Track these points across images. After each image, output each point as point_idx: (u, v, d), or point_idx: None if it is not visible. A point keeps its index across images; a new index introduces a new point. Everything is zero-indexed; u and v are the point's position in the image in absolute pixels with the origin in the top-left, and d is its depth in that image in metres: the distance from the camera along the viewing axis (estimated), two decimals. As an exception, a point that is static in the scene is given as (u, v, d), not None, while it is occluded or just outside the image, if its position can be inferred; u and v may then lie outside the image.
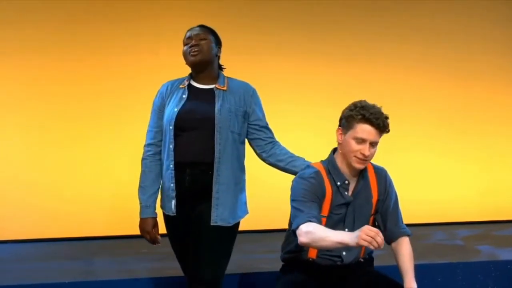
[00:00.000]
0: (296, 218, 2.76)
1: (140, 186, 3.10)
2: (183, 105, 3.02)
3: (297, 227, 2.72)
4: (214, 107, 2.99)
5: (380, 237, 2.43)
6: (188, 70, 3.13)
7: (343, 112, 2.85)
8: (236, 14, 5.33)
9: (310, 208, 2.76)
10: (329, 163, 2.90)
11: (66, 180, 5.08)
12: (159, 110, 3.10)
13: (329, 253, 2.86)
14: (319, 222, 2.72)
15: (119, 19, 5.18)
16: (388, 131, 2.82)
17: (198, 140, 2.98)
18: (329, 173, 2.87)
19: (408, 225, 3.02)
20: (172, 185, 3.01)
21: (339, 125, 2.86)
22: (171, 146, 3.00)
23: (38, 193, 5.04)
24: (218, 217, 2.97)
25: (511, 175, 5.94)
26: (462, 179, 5.80)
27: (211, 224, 2.96)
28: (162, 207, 3.11)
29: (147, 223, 3.07)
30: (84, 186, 5.10)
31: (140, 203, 3.08)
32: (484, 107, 5.90)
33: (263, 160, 3.15)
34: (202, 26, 3.11)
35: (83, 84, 5.12)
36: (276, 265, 3.07)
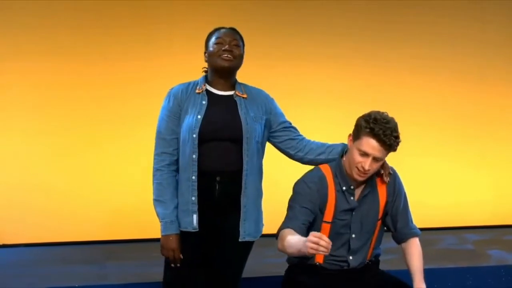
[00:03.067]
0: (282, 223, 2.78)
1: (158, 200, 2.85)
2: (206, 112, 2.83)
3: (278, 233, 2.75)
4: (239, 115, 2.86)
5: (324, 241, 2.35)
6: (198, 74, 3.02)
7: (357, 119, 2.81)
8: (244, 17, 5.32)
9: (296, 215, 2.76)
10: (337, 166, 2.88)
11: (78, 184, 5.08)
12: (174, 116, 2.87)
13: (335, 257, 2.86)
14: (300, 230, 2.71)
15: (134, 23, 5.17)
16: (395, 150, 2.77)
17: (224, 150, 2.83)
18: (335, 176, 2.86)
19: (419, 229, 3.02)
20: (193, 198, 2.82)
21: (352, 132, 2.83)
22: (194, 156, 2.81)
23: (50, 197, 5.04)
24: (245, 232, 2.88)
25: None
26: (473, 184, 5.77)
27: (240, 240, 2.87)
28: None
29: (173, 240, 2.81)
30: (97, 190, 5.10)
31: (163, 219, 2.83)
32: (495, 112, 5.86)
33: (300, 159, 3.00)
34: (233, 30, 2.95)
35: (95, 89, 5.11)
36: (284, 269, 3.07)
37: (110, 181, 5.12)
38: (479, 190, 5.77)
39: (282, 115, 3.03)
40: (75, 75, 5.10)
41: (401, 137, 2.80)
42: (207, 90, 2.91)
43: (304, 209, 2.77)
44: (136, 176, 4.93)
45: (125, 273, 4.22)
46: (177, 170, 2.88)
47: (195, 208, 2.82)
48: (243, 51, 2.94)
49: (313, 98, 5.44)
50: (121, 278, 4.07)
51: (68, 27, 5.09)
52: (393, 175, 2.96)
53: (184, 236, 2.85)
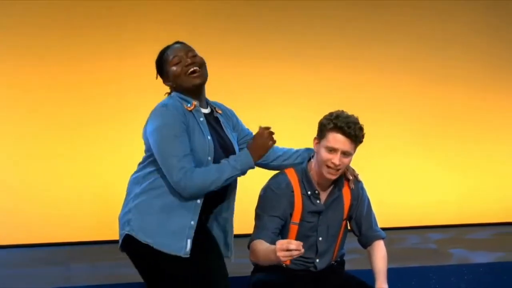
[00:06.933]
0: (252, 234, 2.82)
1: (222, 172, 2.59)
2: (210, 132, 2.66)
3: (249, 244, 2.80)
4: (227, 133, 2.77)
5: (292, 245, 2.40)
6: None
7: (320, 120, 2.85)
8: (224, 17, 5.33)
9: (266, 225, 2.80)
10: (303, 171, 2.91)
11: (47, 185, 5.03)
12: (185, 133, 2.58)
13: (303, 259, 2.89)
14: (271, 239, 2.73)
15: (103, 24, 5.14)
16: (361, 141, 2.81)
17: None
18: (301, 181, 2.89)
19: (383, 228, 3.07)
20: (192, 222, 2.61)
21: (316, 134, 2.87)
22: None
23: (19, 199, 4.98)
24: (231, 250, 2.91)
25: (487, 180, 5.99)
26: (436, 183, 5.84)
27: (232, 260, 2.90)
28: (161, 245, 2.60)
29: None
30: (66, 191, 5.05)
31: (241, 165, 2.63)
32: (462, 112, 5.93)
33: (266, 165, 2.94)
34: (183, 43, 2.75)
35: (69, 90, 5.07)
36: (251, 269, 3.10)
37: (82, 183, 5.07)
38: (442, 190, 5.84)
39: (244, 125, 2.98)
40: (42, 77, 5.06)
41: (366, 137, 2.84)
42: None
43: (273, 218, 2.80)
44: (112, 177, 4.88)
45: (90, 274, 4.19)
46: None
47: (192, 233, 2.61)
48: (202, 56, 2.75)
49: (293, 99, 5.46)
50: (86, 280, 4.04)
51: (40, 27, 5.04)
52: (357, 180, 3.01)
53: (173, 260, 2.62)
